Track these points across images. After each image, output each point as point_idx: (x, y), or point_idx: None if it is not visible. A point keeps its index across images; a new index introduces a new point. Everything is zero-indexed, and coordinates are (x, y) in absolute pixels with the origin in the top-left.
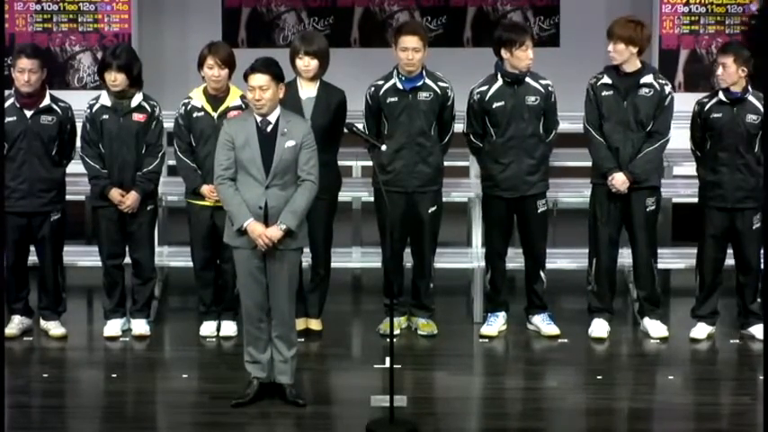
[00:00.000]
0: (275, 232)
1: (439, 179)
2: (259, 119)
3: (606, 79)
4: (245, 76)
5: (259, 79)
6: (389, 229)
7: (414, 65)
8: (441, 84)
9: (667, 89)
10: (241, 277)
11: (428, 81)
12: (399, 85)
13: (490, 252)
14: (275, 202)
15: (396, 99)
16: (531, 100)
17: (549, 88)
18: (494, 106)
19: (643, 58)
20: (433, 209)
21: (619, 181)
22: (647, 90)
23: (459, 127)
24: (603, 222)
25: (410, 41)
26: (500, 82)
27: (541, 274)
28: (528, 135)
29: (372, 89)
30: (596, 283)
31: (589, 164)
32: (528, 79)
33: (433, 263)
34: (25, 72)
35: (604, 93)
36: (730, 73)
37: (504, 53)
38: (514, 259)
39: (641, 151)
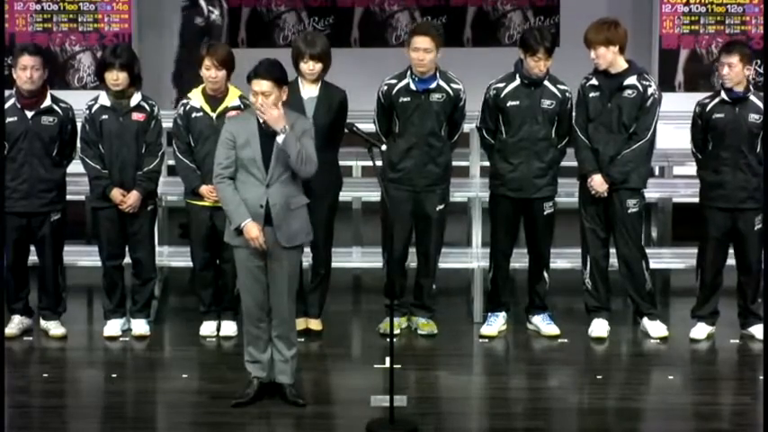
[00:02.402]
0: (278, 115)
1: (447, 178)
2: (261, 118)
3: (594, 81)
4: (249, 79)
5: (262, 85)
6: (390, 229)
7: (425, 65)
8: (453, 85)
9: (650, 90)
10: (241, 276)
11: (441, 82)
12: (412, 86)
13: (495, 251)
14: (276, 200)
15: (408, 99)
16: (546, 103)
17: (567, 94)
18: (508, 105)
19: (642, 58)
20: (441, 207)
21: (597, 183)
22: (630, 92)
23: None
24: (590, 221)
25: (421, 42)
26: (517, 81)
27: (545, 274)
28: (540, 138)
29: (385, 87)
30: (591, 282)
31: None
32: (546, 82)
33: (438, 263)
34: (27, 69)
35: (591, 94)
36: (737, 72)
37: (521, 53)
38: (516, 259)
39: (620, 153)
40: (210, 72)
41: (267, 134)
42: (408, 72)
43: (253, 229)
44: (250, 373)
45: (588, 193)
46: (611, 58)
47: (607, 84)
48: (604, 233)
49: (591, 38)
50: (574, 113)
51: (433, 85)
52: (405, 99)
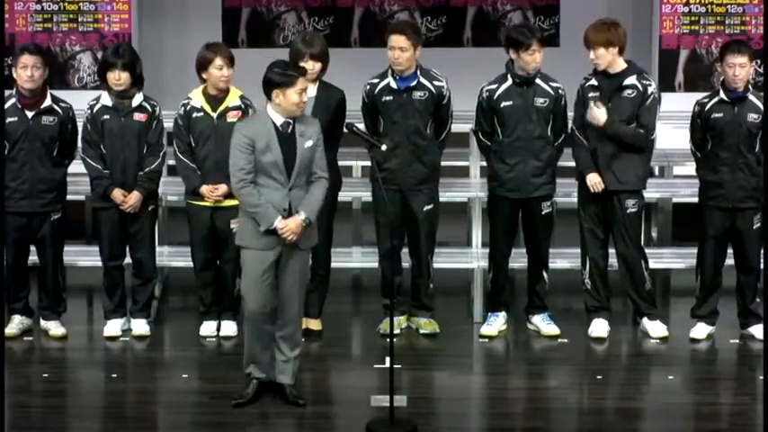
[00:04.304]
0: (299, 223)
1: (435, 177)
2: (280, 121)
3: (593, 81)
4: (284, 83)
5: (305, 82)
6: (389, 226)
7: (400, 64)
8: (436, 83)
9: (650, 89)
10: (251, 279)
11: (423, 80)
12: (393, 85)
13: (494, 252)
14: (298, 202)
15: (390, 98)
16: (539, 102)
17: (560, 91)
18: (502, 105)
19: (642, 58)
20: (429, 207)
21: (591, 179)
22: (629, 91)
23: (458, 127)
24: (589, 221)
25: (396, 40)
26: (510, 82)
27: (544, 274)
28: (535, 137)
29: (368, 87)
30: (591, 282)
31: None
32: (538, 81)
33: (431, 262)
34: (28, 68)
35: (590, 94)
36: (747, 72)
37: (512, 54)
38: (515, 259)
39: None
40: (223, 71)
41: (285, 137)
42: (390, 71)
43: (290, 224)
44: (250, 374)
45: (587, 193)
46: (609, 58)
47: (607, 84)
48: (603, 233)
49: (591, 38)
50: (572, 113)
51: (414, 83)
52: (387, 98)
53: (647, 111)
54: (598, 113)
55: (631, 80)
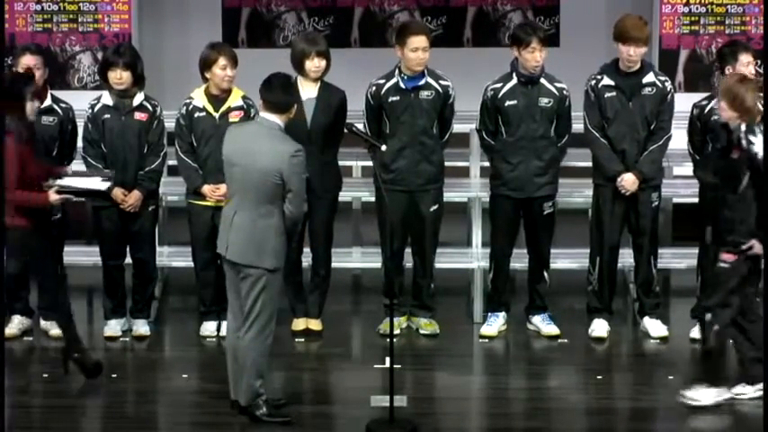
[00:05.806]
0: None
1: (441, 177)
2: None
3: (608, 80)
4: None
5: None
6: (390, 229)
7: (424, 64)
8: (442, 82)
9: (668, 86)
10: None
11: (430, 80)
12: (402, 85)
13: (495, 252)
14: None
15: (398, 98)
16: (543, 101)
17: (564, 92)
18: (506, 104)
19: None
20: (435, 207)
21: (629, 181)
22: (649, 89)
23: (458, 127)
24: (608, 223)
25: (421, 41)
26: (514, 81)
27: (545, 274)
28: (538, 136)
29: (374, 88)
30: (598, 283)
31: (587, 164)
32: (543, 80)
33: (434, 262)
34: (28, 68)
35: (607, 94)
36: (752, 71)
37: (515, 51)
38: (516, 259)
39: (647, 150)
40: (227, 71)
41: None
42: (396, 71)
43: None
44: (263, 395)
45: (608, 195)
46: (642, 56)
47: (627, 83)
48: (620, 235)
49: (637, 36)
50: (585, 115)
51: (422, 83)
52: (394, 98)
53: (668, 108)
54: (629, 182)
55: (650, 78)
